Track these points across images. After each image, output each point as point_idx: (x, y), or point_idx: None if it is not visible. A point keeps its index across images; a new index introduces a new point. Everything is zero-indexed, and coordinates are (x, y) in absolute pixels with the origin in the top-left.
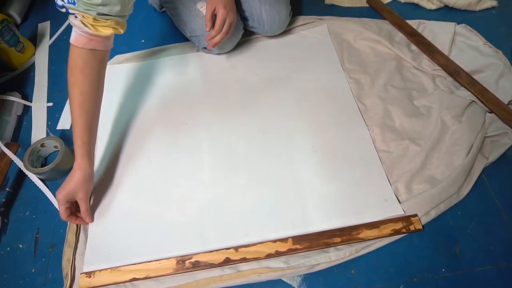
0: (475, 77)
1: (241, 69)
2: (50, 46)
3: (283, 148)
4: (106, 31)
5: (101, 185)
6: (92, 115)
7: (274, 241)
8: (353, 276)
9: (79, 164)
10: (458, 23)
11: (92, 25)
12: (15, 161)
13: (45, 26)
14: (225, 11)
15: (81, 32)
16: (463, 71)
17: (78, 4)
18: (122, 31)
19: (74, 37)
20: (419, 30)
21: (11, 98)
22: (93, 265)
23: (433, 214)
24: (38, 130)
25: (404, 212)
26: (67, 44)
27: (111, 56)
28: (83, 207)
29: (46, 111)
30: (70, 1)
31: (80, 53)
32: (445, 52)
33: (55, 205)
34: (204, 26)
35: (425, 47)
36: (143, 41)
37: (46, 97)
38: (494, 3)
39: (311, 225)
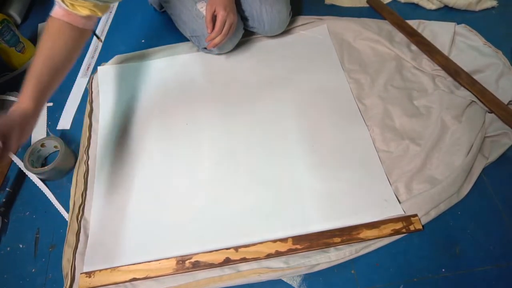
0: (475, 77)
1: (241, 69)
2: None
3: (283, 148)
4: (83, 11)
5: (101, 185)
6: (55, 68)
7: (274, 241)
8: (353, 276)
9: (23, 101)
10: (458, 23)
11: (70, 3)
12: (15, 161)
13: None
14: (225, 13)
15: (60, 7)
16: (463, 71)
17: None
18: (100, 14)
19: (54, 10)
20: (419, 30)
21: (11, 98)
22: (93, 265)
23: (433, 214)
24: (38, 130)
25: (404, 212)
26: None
27: (111, 56)
28: (14, 145)
29: (46, 111)
30: None
31: (56, 23)
32: (445, 52)
33: (55, 205)
34: (204, 27)
35: (425, 47)
36: (143, 41)
37: None
38: (494, 3)
39: (311, 225)
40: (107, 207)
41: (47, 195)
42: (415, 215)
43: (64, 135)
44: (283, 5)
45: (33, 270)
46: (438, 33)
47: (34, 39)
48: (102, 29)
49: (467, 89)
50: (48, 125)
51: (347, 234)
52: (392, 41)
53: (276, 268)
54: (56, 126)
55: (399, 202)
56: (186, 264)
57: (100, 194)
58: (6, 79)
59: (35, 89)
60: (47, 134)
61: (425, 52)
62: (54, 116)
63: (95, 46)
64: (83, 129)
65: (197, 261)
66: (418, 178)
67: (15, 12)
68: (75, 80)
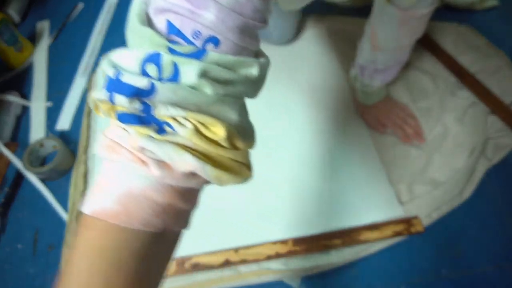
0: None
1: None
2: (49, 46)
3: (283, 149)
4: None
5: None
6: None
7: (274, 242)
8: (353, 277)
9: None
10: (458, 23)
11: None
12: (14, 161)
13: (44, 25)
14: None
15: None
16: (467, 72)
17: (167, 83)
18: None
19: (103, 204)
20: None
21: (10, 97)
22: None
23: (434, 216)
24: (37, 130)
25: (405, 213)
26: (67, 43)
27: None
28: None
29: (45, 111)
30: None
31: (114, 234)
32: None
33: (54, 205)
34: None
35: (430, 46)
36: None
37: (45, 97)
38: (495, 3)
39: (311, 226)
40: None
41: (46, 195)
42: (417, 217)
43: (63, 135)
44: (291, 20)
45: (32, 270)
46: (438, 33)
47: (33, 38)
48: (101, 28)
49: (469, 89)
50: (47, 125)
51: (347, 236)
52: None
53: (276, 270)
54: (55, 126)
55: (401, 204)
56: (186, 266)
57: None
58: (5, 78)
59: None
60: (46, 134)
61: (430, 51)
62: (53, 116)
63: (94, 45)
64: (82, 129)
65: (196, 262)
66: (420, 179)
67: (14, 11)
68: (73, 80)
